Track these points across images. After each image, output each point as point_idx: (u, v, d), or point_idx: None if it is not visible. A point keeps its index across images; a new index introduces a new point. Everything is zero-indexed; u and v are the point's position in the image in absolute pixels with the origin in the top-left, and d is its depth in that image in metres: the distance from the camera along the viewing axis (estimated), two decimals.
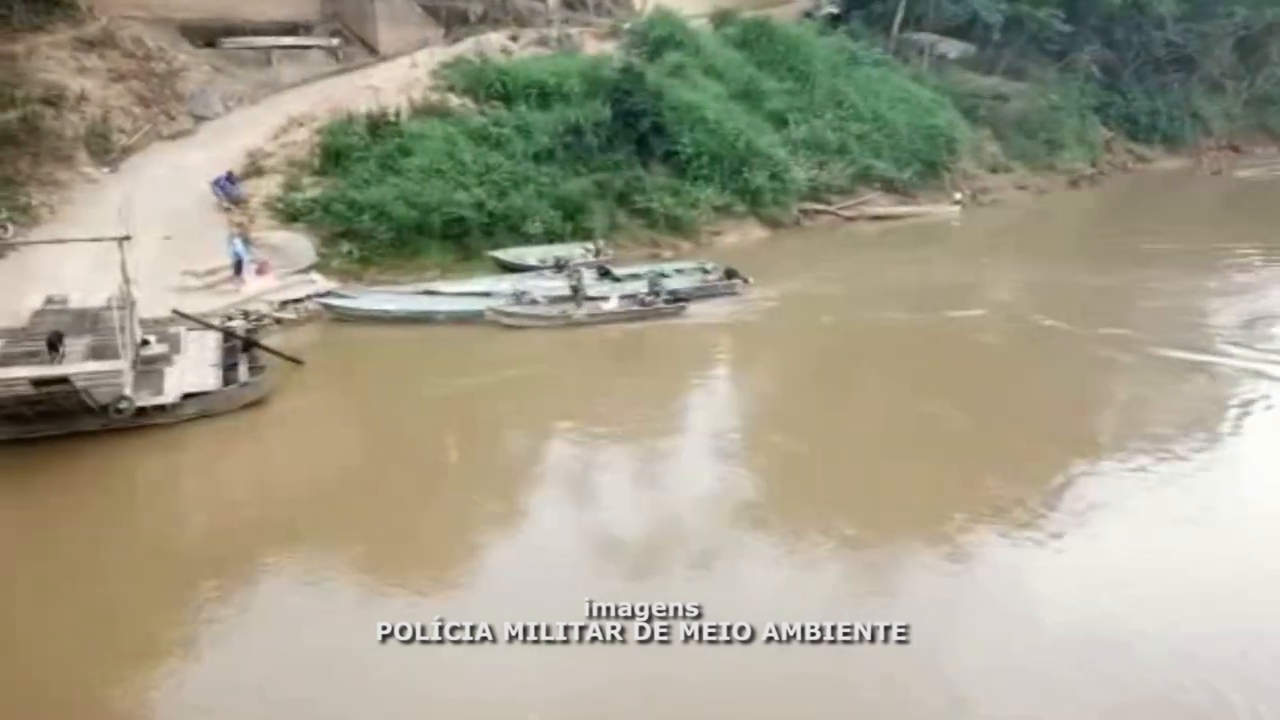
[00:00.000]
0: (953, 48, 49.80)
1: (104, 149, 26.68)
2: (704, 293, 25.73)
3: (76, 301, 20.15)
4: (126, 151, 27.22)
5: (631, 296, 24.29)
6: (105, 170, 26.29)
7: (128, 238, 17.24)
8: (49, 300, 20.42)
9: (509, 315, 22.63)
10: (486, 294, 23.97)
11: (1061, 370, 22.09)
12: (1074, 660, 11.35)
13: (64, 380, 14.57)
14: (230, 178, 25.86)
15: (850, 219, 36.97)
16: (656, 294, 24.23)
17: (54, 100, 26.32)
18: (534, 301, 23.36)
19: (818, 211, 36.25)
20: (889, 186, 39.21)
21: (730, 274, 26.45)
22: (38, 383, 14.48)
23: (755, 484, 16.14)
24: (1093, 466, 16.78)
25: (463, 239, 27.05)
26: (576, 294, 23.48)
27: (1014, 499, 15.25)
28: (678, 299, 24.42)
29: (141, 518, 14.45)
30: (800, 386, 21.59)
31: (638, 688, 10.60)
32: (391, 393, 19.34)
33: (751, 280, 26.41)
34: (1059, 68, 51.59)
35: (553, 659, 10.56)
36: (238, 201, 25.64)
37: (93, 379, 16.33)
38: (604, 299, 23.84)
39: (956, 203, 40.11)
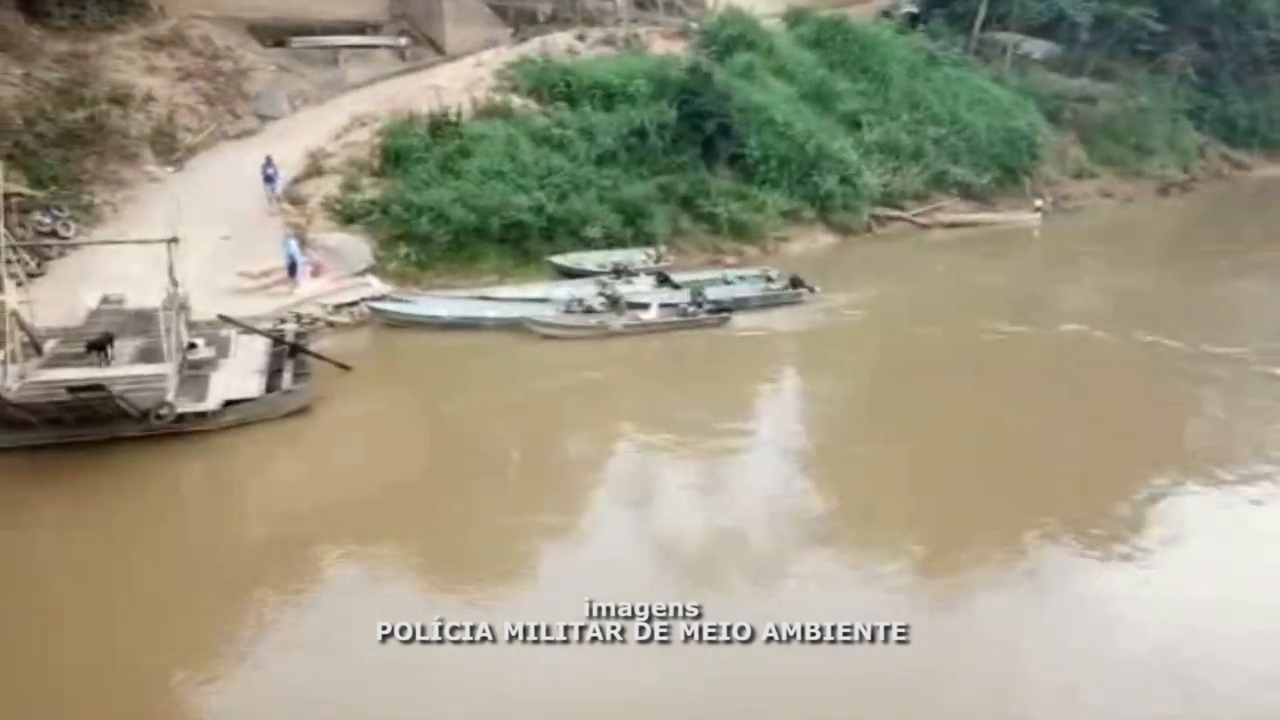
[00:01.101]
0: (1037, 48, 48.03)
1: (169, 148, 26.78)
2: (767, 302, 24.85)
3: (132, 302, 20.07)
4: (191, 151, 27.32)
5: (672, 306, 23.36)
6: (169, 169, 26.37)
7: (175, 240, 17.02)
8: (105, 300, 20.41)
9: (545, 325, 21.85)
10: (543, 300, 23.38)
11: (1156, 386, 20.97)
12: (1143, 691, 10.86)
13: (100, 387, 14.29)
14: (270, 163, 25.42)
15: (924, 226, 35.66)
16: (699, 304, 23.30)
17: (121, 99, 26.50)
18: (589, 310, 22.63)
19: (890, 218, 35.03)
20: (966, 192, 37.82)
21: (796, 282, 25.45)
22: (74, 389, 14.23)
23: (820, 498, 15.48)
24: (1187, 488, 16.05)
25: (521, 243, 26.47)
26: (615, 304, 22.69)
27: (1096, 519, 14.58)
28: (721, 309, 23.45)
29: (162, 528, 13.99)
30: (867, 401, 20.52)
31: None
32: (438, 402, 18.86)
33: (818, 289, 25.39)
34: (1150, 69, 49.37)
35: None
36: (291, 200, 25.37)
37: (136, 383, 16.19)
38: (644, 308, 22.90)
39: (1037, 210, 38.46)
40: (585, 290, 23.75)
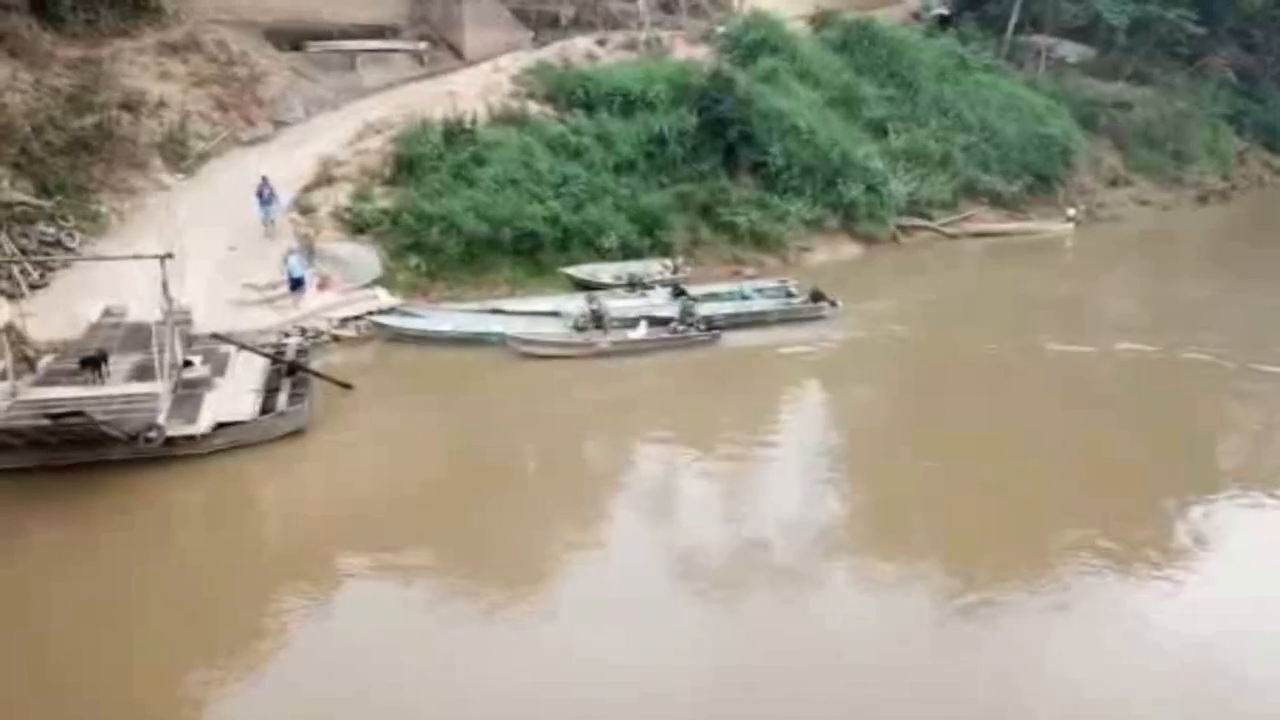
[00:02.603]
0: (1072, 51, 46.90)
1: (179, 155, 26.35)
2: (787, 317, 24.04)
3: (135, 314, 19.67)
4: (203, 158, 26.86)
5: (662, 323, 22.46)
6: (179, 177, 25.97)
7: (170, 256, 16.50)
8: (107, 312, 20.05)
9: (526, 344, 21.01)
10: (554, 314, 22.74)
11: (1199, 402, 20.32)
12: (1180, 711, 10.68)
13: (80, 414, 13.82)
14: (266, 184, 23.86)
15: (952, 236, 34.71)
16: (690, 322, 22.38)
17: (133, 105, 26.10)
18: (580, 327, 21.92)
19: (916, 227, 34.12)
20: (996, 201, 36.85)
21: (817, 296, 24.55)
22: (54, 415, 13.76)
23: (847, 516, 14.80)
24: (1235, 504, 15.56)
25: (535, 254, 25.86)
26: (600, 321, 21.80)
27: (1135, 538, 14.28)
28: (713, 327, 22.48)
29: (154, 554, 13.47)
30: (888, 421, 19.66)
31: None
32: (440, 424, 18.17)
33: (840, 303, 24.51)
34: (1189, 73, 48.06)
35: None
36: (301, 209, 24.86)
37: (128, 403, 15.73)
38: (631, 326, 22.08)
39: (1070, 219, 37.37)
40: (577, 305, 23.04)
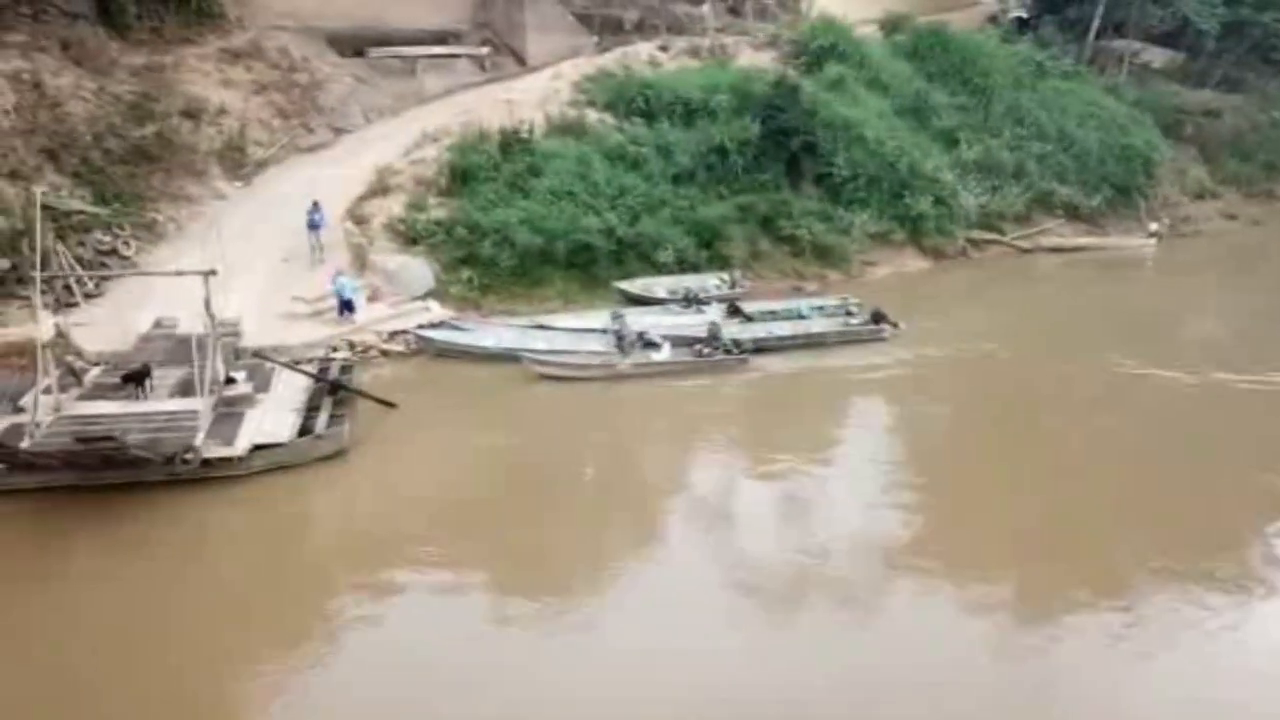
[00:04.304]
0: (1157, 56, 44.89)
1: (238, 163, 26.41)
2: (845, 338, 23.06)
3: (185, 326, 19.56)
4: (261, 165, 26.90)
5: (687, 345, 21.57)
6: (237, 185, 26.04)
7: (213, 272, 16.33)
8: (158, 323, 20.00)
9: (544, 364, 20.27)
10: (602, 331, 22.12)
11: None
12: None
13: (112, 438, 13.64)
14: (316, 208, 23.42)
15: (1025, 250, 33.35)
16: (716, 346, 21.37)
17: (194, 113, 26.30)
18: (650, 344, 21.28)
19: (987, 241, 32.84)
20: (1073, 214, 35.36)
21: (878, 317, 23.50)
22: (85, 439, 13.61)
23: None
24: None
25: (589, 267, 25.34)
26: (622, 343, 20.99)
27: (1218, 573, 13.75)
28: (742, 351, 21.45)
29: (191, 574, 13.26)
30: (954, 461, 18.35)
31: None
32: (480, 446, 17.58)
33: (902, 325, 23.48)
34: None
35: None
36: (355, 219, 24.68)
37: (169, 420, 15.59)
38: (655, 348, 21.17)
39: (1153, 234, 35.64)
40: (649, 320, 22.45)
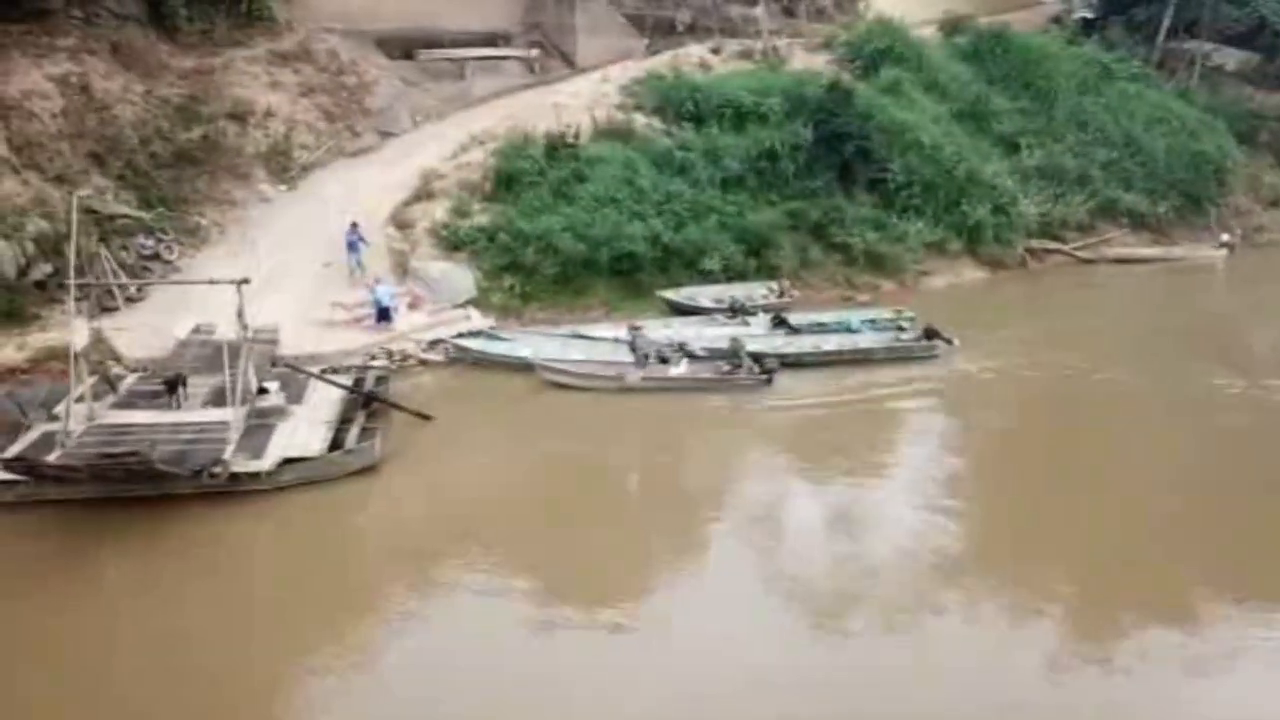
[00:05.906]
0: (1231, 58, 43.10)
1: (283, 167, 26.30)
2: (894, 354, 22.05)
3: (223, 332, 19.38)
4: (306, 169, 26.76)
5: (705, 361, 20.74)
6: (282, 188, 25.93)
7: (246, 281, 16.07)
8: (196, 329, 19.88)
9: (555, 372, 19.74)
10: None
11: None
12: None
13: (134, 454, 13.39)
14: (355, 229, 22.89)
15: (1087, 261, 32.16)
16: (737, 364, 20.32)
17: (240, 116, 26.23)
18: (690, 356, 20.64)
19: (1048, 251, 31.78)
20: (1139, 223, 34.04)
21: (930, 334, 22.34)
22: (109, 455, 13.39)
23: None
24: None
25: (633, 275, 24.82)
26: (635, 355, 20.24)
27: None
28: (765, 370, 20.27)
29: (218, 588, 12.92)
30: (1012, 508, 16.55)
31: None
32: (513, 460, 17.12)
33: (957, 342, 22.41)
34: None
35: None
36: (398, 224, 24.44)
37: (199, 431, 15.37)
38: (669, 362, 20.34)
39: (1224, 245, 34.17)
40: (690, 331, 21.97)
